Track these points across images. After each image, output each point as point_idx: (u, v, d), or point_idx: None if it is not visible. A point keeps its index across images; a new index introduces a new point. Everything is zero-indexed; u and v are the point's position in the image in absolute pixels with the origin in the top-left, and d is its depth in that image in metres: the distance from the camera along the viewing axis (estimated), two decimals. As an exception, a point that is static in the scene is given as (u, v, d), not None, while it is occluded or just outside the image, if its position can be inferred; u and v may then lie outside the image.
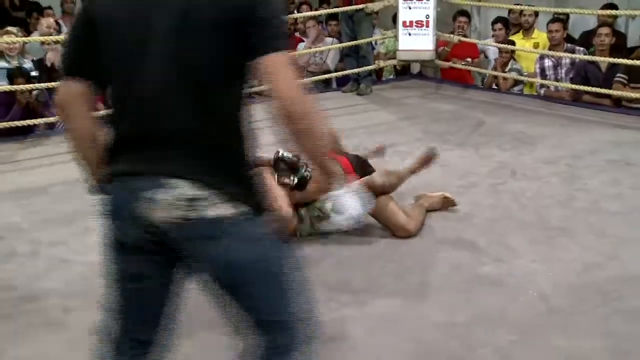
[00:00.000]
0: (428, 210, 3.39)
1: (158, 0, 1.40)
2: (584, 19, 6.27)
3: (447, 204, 3.47)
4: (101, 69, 1.47)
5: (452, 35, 6.43)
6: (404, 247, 3.10)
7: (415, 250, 3.07)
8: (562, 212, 3.45)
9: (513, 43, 6.16)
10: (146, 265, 1.48)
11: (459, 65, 6.41)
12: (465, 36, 6.46)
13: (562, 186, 3.81)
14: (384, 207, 3.15)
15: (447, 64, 6.53)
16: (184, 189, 1.35)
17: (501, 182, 3.91)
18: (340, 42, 6.59)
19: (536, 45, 5.96)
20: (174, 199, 1.35)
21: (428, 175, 3.87)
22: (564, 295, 2.64)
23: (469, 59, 6.39)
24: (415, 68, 7.11)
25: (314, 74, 6.63)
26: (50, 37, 5.56)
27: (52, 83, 5.20)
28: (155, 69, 1.38)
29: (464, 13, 6.56)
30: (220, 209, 1.36)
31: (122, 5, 1.43)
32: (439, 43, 6.55)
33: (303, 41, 6.91)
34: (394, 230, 3.18)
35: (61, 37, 5.76)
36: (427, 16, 6.34)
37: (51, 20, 6.25)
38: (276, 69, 1.35)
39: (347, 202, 1.58)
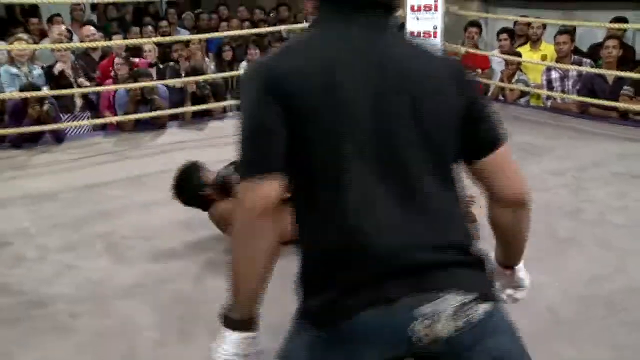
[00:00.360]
0: None
1: (383, 84, 1.21)
2: (591, 31, 6.28)
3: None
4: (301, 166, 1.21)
5: (459, 47, 6.46)
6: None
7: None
8: (569, 223, 3.46)
9: (519, 54, 6.18)
10: None
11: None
12: (476, 47, 6.47)
13: (569, 198, 3.81)
14: None
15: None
16: (453, 297, 1.19)
17: (507, 193, 3.91)
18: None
19: (544, 57, 5.97)
20: (452, 310, 1.18)
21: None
22: (571, 306, 2.65)
23: (478, 70, 6.40)
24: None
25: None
26: (62, 44, 5.63)
27: (60, 90, 5.29)
28: (407, 162, 1.21)
29: (475, 24, 6.56)
30: (484, 304, 1.22)
31: (334, 87, 1.19)
32: (448, 54, 6.55)
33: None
34: None
35: (72, 44, 5.85)
36: (435, 27, 6.36)
37: (62, 27, 6.31)
38: (507, 160, 1.29)
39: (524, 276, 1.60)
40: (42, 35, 6.66)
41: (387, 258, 1.18)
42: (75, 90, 5.55)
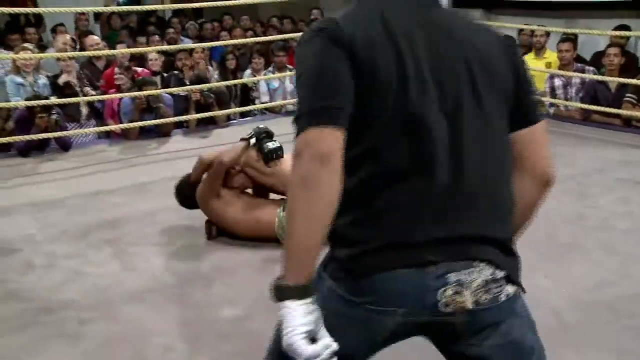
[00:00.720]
0: None
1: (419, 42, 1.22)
2: (594, 40, 6.31)
3: None
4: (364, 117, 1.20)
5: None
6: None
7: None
8: (572, 229, 3.48)
9: (522, 62, 6.20)
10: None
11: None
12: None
13: (572, 204, 3.83)
14: None
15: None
16: (486, 269, 1.22)
17: (511, 199, 3.92)
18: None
19: (548, 65, 5.98)
20: (482, 281, 1.21)
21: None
22: (575, 311, 2.66)
23: None
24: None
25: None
26: (66, 53, 5.67)
27: (66, 100, 5.33)
28: (466, 125, 1.22)
29: None
30: (510, 286, 1.25)
31: (390, 49, 1.20)
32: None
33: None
34: None
35: (76, 53, 5.90)
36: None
37: (67, 37, 6.35)
38: (545, 137, 1.34)
39: None
40: (41, 45, 6.70)
41: (442, 224, 1.19)
42: (81, 99, 5.58)
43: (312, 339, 1.14)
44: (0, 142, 5.00)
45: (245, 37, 7.14)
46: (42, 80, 5.58)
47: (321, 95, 1.17)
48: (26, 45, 5.74)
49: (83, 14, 7.09)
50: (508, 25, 6.70)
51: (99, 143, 5.55)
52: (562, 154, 4.83)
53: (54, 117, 5.05)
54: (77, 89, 5.69)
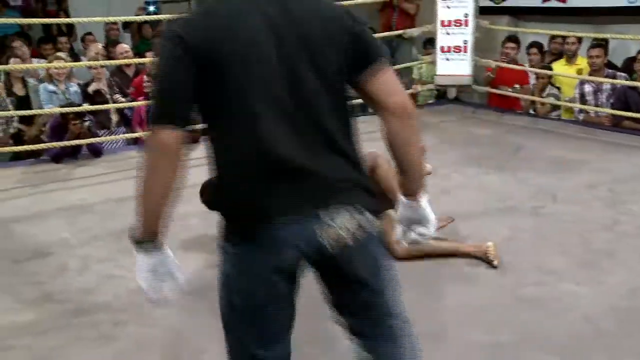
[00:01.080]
0: (456, 255, 3.21)
1: (274, 27, 1.43)
2: (625, 46, 6.24)
3: (483, 256, 3.15)
4: (208, 110, 1.48)
5: (490, 61, 6.46)
6: (444, 269, 3.11)
7: (456, 272, 3.08)
8: (605, 235, 3.43)
9: (550, 68, 6.15)
10: (289, 287, 1.55)
11: (506, 92, 6.38)
12: (515, 62, 6.43)
13: (605, 210, 3.78)
14: (385, 222, 3.21)
15: (491, 90, 6.54)
16: (354, 213, 1.49)
17: (542, 205, 3.90)
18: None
19: (579, 72, 5.91)
20: (349, 222, 1.49)
21: (467, 199, 3.89)
22: (609, 318, 2.63)
23: (517, 86, 6.34)
24: (452, 93, 7.14)
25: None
26: (98, 62, 5.78)
27: (97, 107, 5.42)
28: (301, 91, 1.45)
29: (512, 39, 6.49)
30: (373, 224, 1.54)
31: (233, 37, 1.41)
32: (486, 69, 6.58)
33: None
34: (386, 246, 3.23)
35: (107, 62, 6.00)
36: (465, 41, 6.38)
37: (99, 46, 6.45)
38: (391, 77, 1.53)
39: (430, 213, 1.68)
40: (73, 53, 6.82)
41: (299, 177, 1.44)
42: (112, 106, 5.67)
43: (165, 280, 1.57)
44: (35, 148, 5.10)
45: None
46: (74, 88, 5.68)
47: (160, 99, 1.44)
48: (59, 54, 5.86)
49: (114, 23, 7.20)
50: (536, 31, 6.68)
51: (128, 149, 5.61)
52: (593, 161, 4.79)
53: (86, 123, 5.14)
54: (107, 96, 5.78)
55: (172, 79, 1.42)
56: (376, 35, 6.40)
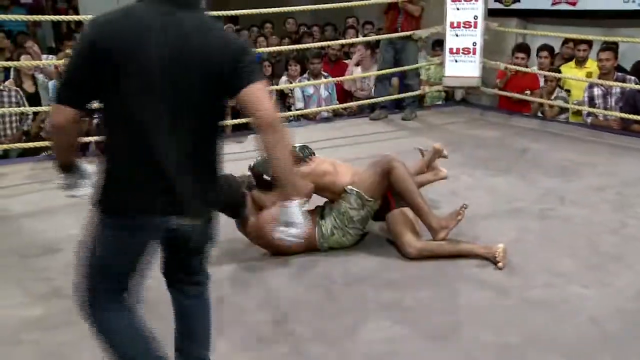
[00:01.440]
0: (467, 256, 3.22)
1: (154, 39, 1.74)
2: (635, 49, 6.22)
3: (492, 257, 3.14)
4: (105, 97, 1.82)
5: (498, 63, 6.46)
6: (451, 270, 3.12)
7: (463, 273, 3.09)
8: (613, 238, 3.43)
9: (558, 71, 6.15)
10: (149, 243, 1.97)
11: (516, 95, 6.37)
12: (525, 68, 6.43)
13: (613, 213, 3.78)
14: (395, 223, 3.27)
15: (501, 92, 6.54)
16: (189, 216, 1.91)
17: (549, 208, 3.90)
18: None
19: (589, 75, 5.90)
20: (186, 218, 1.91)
21: (476, 200, 3.89)
22: (616, 320, 2.63)
23: (527, 92, 6.33)
24: (458, 95, 7.14)
25: (359, 99, 6.74)
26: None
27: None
28: (159, 105, 1.78)
29: (522, 48, 6.46)
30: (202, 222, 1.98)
31: (128, 43, 1.74)
32: (498, 74, 6.57)
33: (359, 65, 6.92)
34: (398, 246, 3.28)
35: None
36: (474, 43, 6.38)
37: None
38: (261, 94, 1.80)
39: (298, 217, 1.90)
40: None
41: (166, 183, 1.82)
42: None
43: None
44: (44, 145, 5.13)
45: (281, 44, 7.22)
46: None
47: (64, 82, 1.83)
48: (68, 51, 5.89)
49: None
50: (545, 34, 6.67)
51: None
52: (602, 164, 4.78)
53: (95, 120, 5.15)
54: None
55: (76, 70, 1.80)
56: (381, 37, 6.50)
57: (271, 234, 2.09)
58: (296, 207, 1.88)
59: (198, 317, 2.23)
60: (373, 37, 6.75)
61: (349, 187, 3.29)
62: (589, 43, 6.06)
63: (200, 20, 1.81)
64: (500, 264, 3.08)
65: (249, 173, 3.39)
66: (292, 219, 1.89)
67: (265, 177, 3.31)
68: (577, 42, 6.13)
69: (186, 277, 2.18)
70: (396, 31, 6.30)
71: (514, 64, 6.41)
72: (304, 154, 3.40)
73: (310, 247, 3.28)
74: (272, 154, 1.81)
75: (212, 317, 2.42)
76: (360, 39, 7.04)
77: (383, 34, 6.57)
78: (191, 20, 1.79)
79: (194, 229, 1.94)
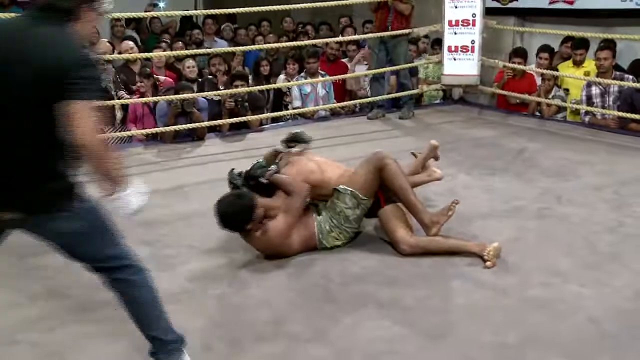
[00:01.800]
0: (460, 253, 3.22)
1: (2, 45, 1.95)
2: (632, 48, 6.22)
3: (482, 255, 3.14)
4: None
5: (496, 61, 6.46)
6: (450, 270, 3.11)
7: (461, 272, 3.09)
8: (610, 237, 3.43)
9: (556, 70, 6.14)
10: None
11: (514, 95, 6.37)
12: (522, 72, 6.40)
13: (610, 212, 3.78)
14: (388, 219, 3.29)
15: (499, 92, 6.54)
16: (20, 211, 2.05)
17: (547, 207, 3.90)
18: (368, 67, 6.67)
19: (587, 74, 5.89)
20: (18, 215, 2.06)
21: (473, 199, 3.89)
22: (615, 320, 2.63)
23: (525, 95, 6.31)
24: (456, 94, 7.14)
25: (361, 98, 6.74)
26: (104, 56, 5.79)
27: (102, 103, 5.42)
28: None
29: (518, 53, 6.46)
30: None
31: None
32: (497, 74, 6.56)
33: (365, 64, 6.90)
34: (392, 243, 3.30)
35: (114, 56, 6.02)
36: (473, 41, 6.38)
37: (107, 43, 6.45)
38: (79, 114, 1.88)
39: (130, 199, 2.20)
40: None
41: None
42: (115, 102, 5.66)
43: None
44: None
45: (279, 42, 7.20)
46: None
47: None
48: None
49: (119, 19, 7.20)
50: (543, 31, 6.66)
51: (134, 146, 5.62)
52: (599, 163, 4.78)
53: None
54: (112, 93, 5.79)
55: None
56: (371, 35, 6.47)
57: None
58: (129, 193, 2.14)
59: (127, 301, 2.29)
60: (366, 36, 6.75)
61: (342, 186, 3.29)
62: (586, 47, 6.05)
63: (56, 35, 1.96)
64: (488, 264, 3.08)
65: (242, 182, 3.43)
66: (130, 202, 2.16)
67: (261, 180, 3.30)
68: (574, 46, 6.11)
69: (92, 267, 2.26)
70: (386, 30, 6.30)
71: (512, 69, 6.40)
72: (300, 140, 3.51)
73: (310, 247, 3.30)
74: (92, 167, 1.97)
75: (208, 314, 2.42)
76: (358, 36, 7.04)
77: (373, 33, 6.57)
78: (47, 34, 1.95)
79: (28, 223, 2.07)
